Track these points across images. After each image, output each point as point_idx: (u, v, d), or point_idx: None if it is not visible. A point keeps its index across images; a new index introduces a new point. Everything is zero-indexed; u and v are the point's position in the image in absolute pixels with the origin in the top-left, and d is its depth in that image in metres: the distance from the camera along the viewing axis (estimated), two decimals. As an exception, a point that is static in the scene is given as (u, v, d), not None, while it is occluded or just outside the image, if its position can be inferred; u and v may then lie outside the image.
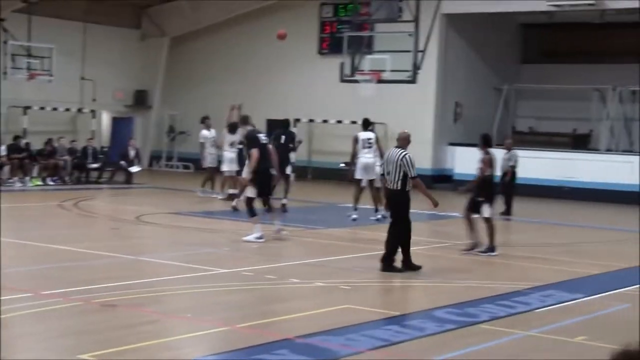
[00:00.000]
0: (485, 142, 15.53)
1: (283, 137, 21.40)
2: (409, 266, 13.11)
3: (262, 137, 16.08)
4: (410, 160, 13.03)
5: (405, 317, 10.08)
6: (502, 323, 9.87)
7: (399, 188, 13.02)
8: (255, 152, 15.59)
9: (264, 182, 15.80)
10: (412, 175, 13.00)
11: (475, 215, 15.15)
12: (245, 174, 17.10)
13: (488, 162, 15.21)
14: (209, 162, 24.09)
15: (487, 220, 15.17)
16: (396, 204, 13.14)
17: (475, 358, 8.60)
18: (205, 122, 24.54)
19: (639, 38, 32.27)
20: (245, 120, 16.76)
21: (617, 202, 27.12)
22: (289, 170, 21.28)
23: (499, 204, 22.05)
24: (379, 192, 20.02)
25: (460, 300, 11.05)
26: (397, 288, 12.63)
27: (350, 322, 9.48)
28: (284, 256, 14.70)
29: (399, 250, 13.14)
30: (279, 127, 22.11)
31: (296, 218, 20.18)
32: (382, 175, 13.35)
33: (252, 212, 15.69)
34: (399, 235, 13.05)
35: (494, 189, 15.40)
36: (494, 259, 14.88)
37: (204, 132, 24.36)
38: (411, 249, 13.23)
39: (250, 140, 16.00)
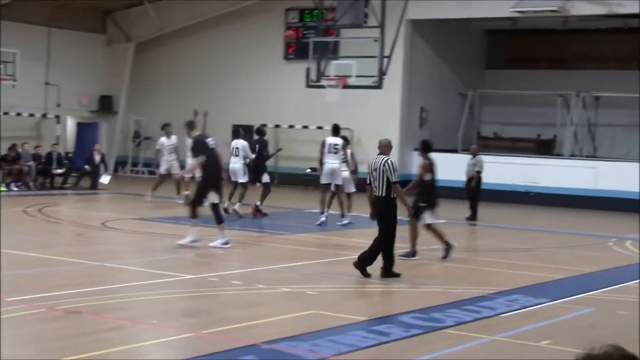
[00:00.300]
0: (425, 148, 15.70)
1: (257, 145, 21.53)
2: (390, 273, 13.07)
3: (211, 141, 15.92)
4: (392, 165, 13.07)
5: (371, 323, 10.08)
6: (467, 328, 9.92)
7: (384, 194, 13.02)
8: (198, 160, 15.69)
9: (217, 186, 15.66)
10: (393, 180, 13.00)
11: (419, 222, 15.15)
12: (186, 174, 17.42)
13: (427, 167, 15.32)
14: (164, 169, 24.18)
15: (429, 227, 15.18)
16: (382, 210, 13.12)
17: (441, 363, 8.64)
18: (165, 129, 24.52)
19: (602, 44, 32.65)
20: (191, 125, 16.55)
21: (580, 207, 27.35)
22: (265, 178, 21.33)
23: (465, 209, 22.25)
24: (349, 198, 20.08)
25: (426, 305, 11.09)
26: (363, 293, 12.64)
27: (316, 328, 9.48)
28: (250, 262, 14.66)
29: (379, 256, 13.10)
30: (253, 136, 22.41)
31: (263, 223, 20.20)
32: (369, 184, 13.30)
33: (218, 219, 15.62)
34: (384, 244, 13.02)
35: (436, 194, 15.44)
36: (460, 264, 14.94)
37: (162, 140, 24.45)
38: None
39: (198, 145, 15.86)
